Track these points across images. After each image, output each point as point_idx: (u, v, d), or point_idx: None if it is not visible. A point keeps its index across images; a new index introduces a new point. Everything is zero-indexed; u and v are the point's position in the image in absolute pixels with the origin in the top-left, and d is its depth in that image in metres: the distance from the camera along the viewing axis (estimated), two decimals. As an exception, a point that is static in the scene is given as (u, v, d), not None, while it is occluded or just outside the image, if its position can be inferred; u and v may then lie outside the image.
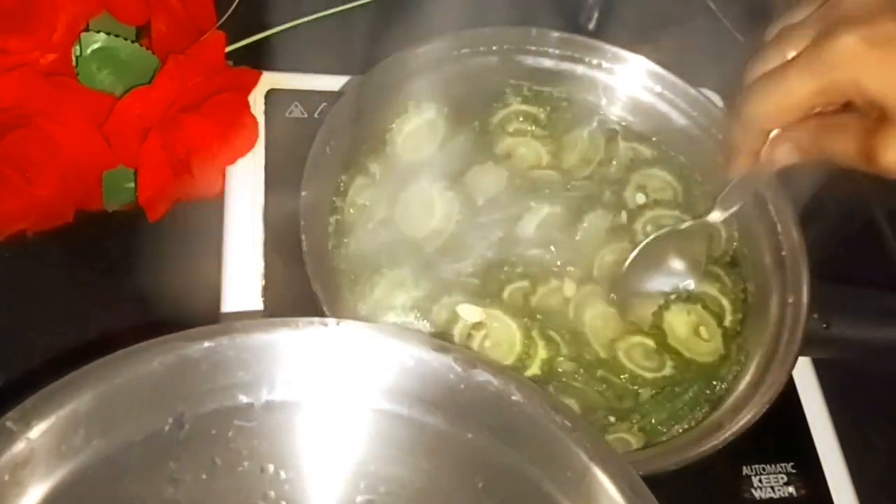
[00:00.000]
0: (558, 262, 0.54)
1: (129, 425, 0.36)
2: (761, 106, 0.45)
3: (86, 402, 0.34)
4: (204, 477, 0.38)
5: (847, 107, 0.44)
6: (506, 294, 0.52)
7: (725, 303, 0.54)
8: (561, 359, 0.51)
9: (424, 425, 0.38)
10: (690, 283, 0.54)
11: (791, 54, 0.44)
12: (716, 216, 0.53)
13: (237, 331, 0.37)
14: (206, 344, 0.36)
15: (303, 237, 0.47)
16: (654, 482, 0.45)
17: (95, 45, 0.53)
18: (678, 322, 0.52)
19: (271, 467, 0.39)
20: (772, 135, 0.47)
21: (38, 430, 0.33)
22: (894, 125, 0.41)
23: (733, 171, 0.50)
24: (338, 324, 0.38)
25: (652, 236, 0.53)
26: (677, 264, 0.54)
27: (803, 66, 0.43)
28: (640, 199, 0.57)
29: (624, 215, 0.56)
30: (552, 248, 0.54)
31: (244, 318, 0.51)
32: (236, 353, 0.37)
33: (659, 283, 0.54)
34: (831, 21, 0.43)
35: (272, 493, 0.39)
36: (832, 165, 0.45)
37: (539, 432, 0.37)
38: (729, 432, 0.47)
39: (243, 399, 0.38)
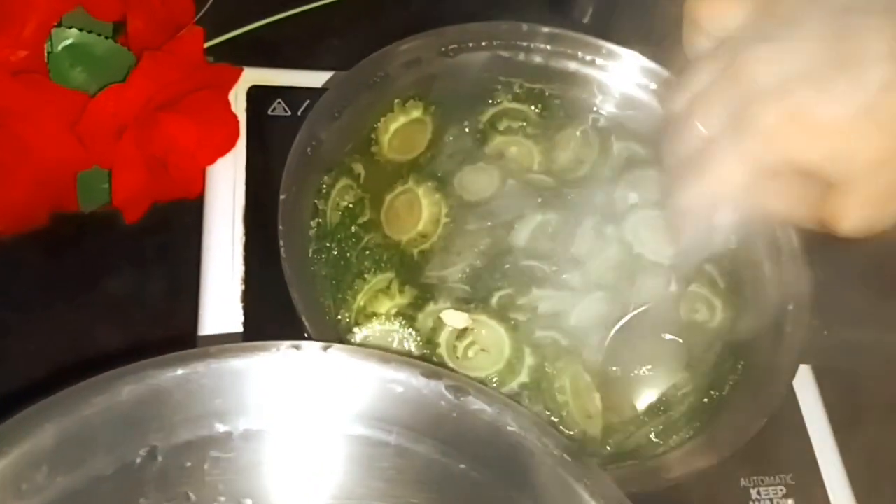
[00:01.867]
0: (551, 271, 0.52)
1: (97, 460, 0.34)
2: (695, 198, 0.43)
3: (48, 436, 0.33)
4: None
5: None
6: (494, 300, 0.50)
7: (718, 303, 0.53)
8: (549, 368, 0.49)
9: (414, 455, 0.37)
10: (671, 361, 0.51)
11: (704, 132, 0.41)
12: (671, 289, 0.51)
13: (212, 356, 0.35)
14: (180, 371, 0.35)
15: (281, 242, 0.46)
16: (652, 496, 0.44)
17: (67, 42, 0.51)
18: None
19: (249, 502, 0.37)
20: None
21: None
22: (842, 195, 0.39)
23: (678, 244, 0.48)
24: (324, 349, 0.36)
25: (616, 326, 0.50)
26: (654, 345, 0.51)
27: (730, 151, 0.40)
28: (633, 198, 0.55)
29: (616, 217, 0.54)
30: (544, 256, 0.52)
31: (221, 340, 0.49)
32: (212, 381, 0.35)
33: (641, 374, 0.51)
34: (745, 94, 0.39)
35: (250, 531, 0.38)
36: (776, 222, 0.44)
37: (536, 465, 0.36)
38: (728, 445, 0.46)
39: (220, 428, 0.36)
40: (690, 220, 0.45)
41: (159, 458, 0.35)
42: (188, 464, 0.36)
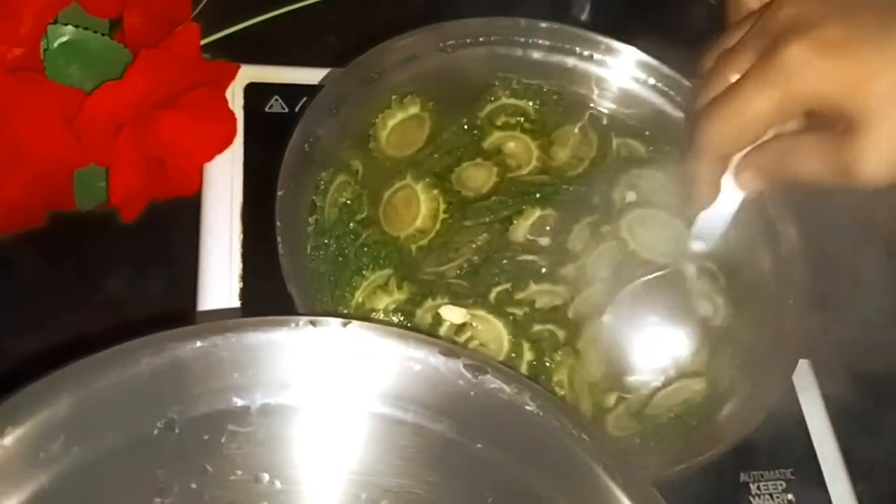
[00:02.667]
0: (549, 266, 0.52)
1: (114, 431, 0.34)
2: (716, 129, 0.43)
3: (65, 406, 0.32)
4: (194, 486, 0.36)
5: (808, 124, 0.42)
6: (492, 295, 0.50)
7: (720, 300, 0.52)
8: (547, 362, 0.49)
9: (430, 433, 0.36)
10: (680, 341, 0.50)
11: (734, 77, 0.42)
12: (690, 261, 0.50)
13: (232, 330, 0.35)
14: (199, 344, 0.34)
15: (279, 239, 0.45)
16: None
17: (64, 39, 0.51)
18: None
19: (266, 476, 0.37)
20: (732, 163, 0.45)
21: (11, 437, 0.31)
22: (864, 133, 0.39)
23: (696, 205, 0.48)
24: (344, 325, 0.36)
25: (626, 289, 0.50)
26: (660, 314, 0.51)
27: (756, 81, 0.41)
28: (631, 196, 0.55)
29: (613, 216, 0.54)
30: (542, 251, 0.52)
31: (220, 316, 0.49)
32: (231, 354, 0.35)
33: (646, 351, 0.50)
34: (773, 34, 0.41)
35: (267, 504, 0.37)
36: (803, 187, 0.43)
37: (554, 445, 0.35)
38: (727, 439, 0.45)
39: (238, 402, 0.36)
40: (708, 165, 0.44)
41: (176, 431, 0.35)
42: (205, 437, 0.35)
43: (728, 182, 0.46)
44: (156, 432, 0.34)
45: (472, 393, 0.35)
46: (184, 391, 0.35)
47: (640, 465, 0.46)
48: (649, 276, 0.50)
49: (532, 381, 0.47)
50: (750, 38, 0.42)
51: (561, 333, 0.50)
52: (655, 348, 0.50)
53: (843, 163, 0.40)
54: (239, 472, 0.37)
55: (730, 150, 0.44)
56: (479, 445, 0.36)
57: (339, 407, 0.37)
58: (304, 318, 0.36)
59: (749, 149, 0.44)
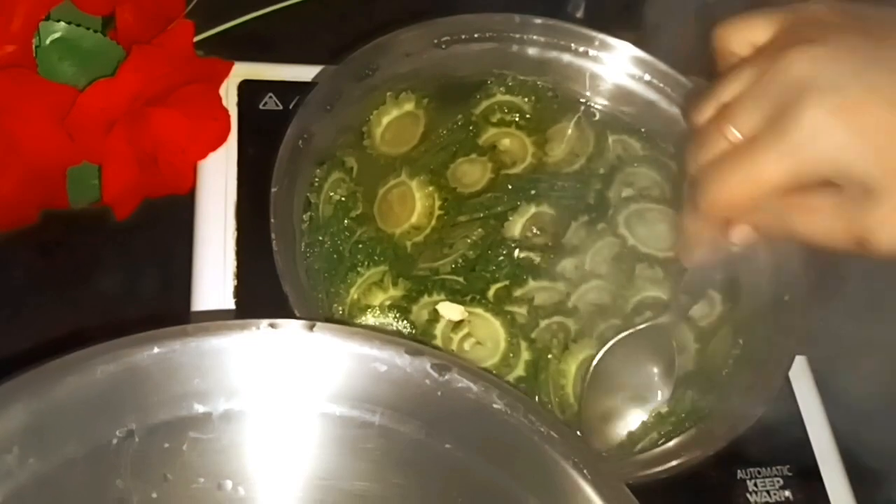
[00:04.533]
0: (546, 263, 0.51)
1: (70, 441, 0.33)
2: (724, 195, 0.40)
3: (18, 417, 0.32)
4: (154, 495, 0.35)
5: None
6: (490, 293, 0.50)
7: (714, 296, 0.52)
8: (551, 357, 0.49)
9: (397, 435, 0.36)
10: (663, 396, 0.49)
11: (735, 135, 0.39)
12: (676, 315, 0.49)
13: (190, 335, 0.34)
14: (156, 350, 0.34)
15: (273, 236, 0.45)
16: (648, 488, 0.44)
17: (56, 35, 0.51)
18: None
19: (229, 483, 0.37)
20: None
21: None
22: (884, 201, 0.37)
23: (691, 263, 0.46)
24: (309, 327, 0.35)
25: (610, 342, 0.48)
26: (645, 371, 0.49)
27: (771, 147, 0.38)
28: (627, 192, 0.55)
29: (609, 213, 0.54)
30: (539, 248, 0.52)
31: (214, 317, 0.49)
32: (190, 359, 0.34)
33: (628, 399, 0.49)
34: (787, 93, 0.38)
35: (229, 512, 0.37)
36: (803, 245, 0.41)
37: (523, 444, 0.35)
38: (724, 436, 0.45)
39: (199, 409, 0.35)
40: (710, 227, 0.42)
41: (136, 440, 0.34)
42: (166, 445, 0.35)
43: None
44: (115, 441, 0.34)
45: (439, 393, 0.35)
46: (143, 398, 0.34)
47: (638, 464, 0.46)
48: (637, 328, 0.49)
49: (531, 377, 0.48)
50: (757, 93, 0.39)
51: (571, 323, 0.50)
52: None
53: (857, 231, 0.38)
54: (201, 480, 0.36)
55: (736, 216, 0.41)
56: (447, 446, 0.36)
57: (302, 411, 0.36)
58: (264, 322, 0.35)
59: None
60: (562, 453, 0.34)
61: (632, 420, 0.48)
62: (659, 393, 0.49)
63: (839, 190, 0.38)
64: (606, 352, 0.49)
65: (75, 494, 0.34)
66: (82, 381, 0.32)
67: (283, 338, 0.35)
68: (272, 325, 0.35)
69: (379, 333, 0.36)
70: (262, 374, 0.35)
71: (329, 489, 0.37)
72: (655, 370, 0.49)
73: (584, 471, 0.34)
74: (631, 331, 0.49)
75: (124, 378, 0.33)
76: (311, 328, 0.35)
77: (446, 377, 0.35)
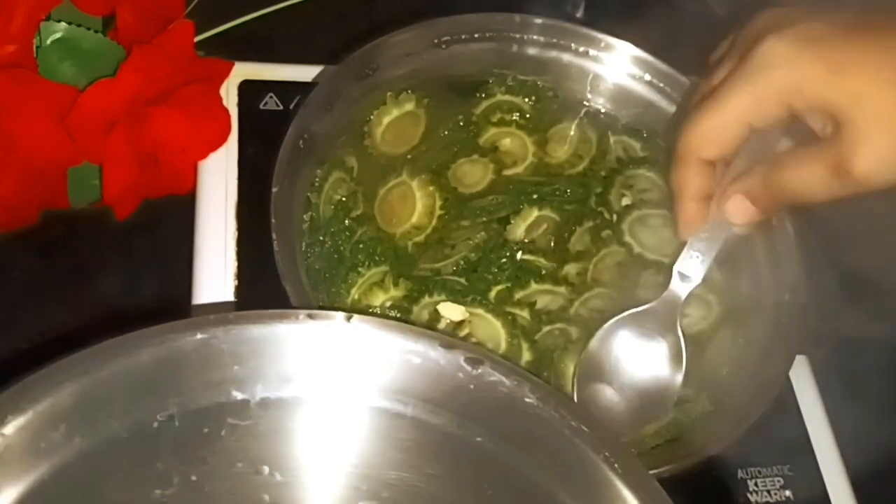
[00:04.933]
0: (548, 267, 0.52)
1: (114, 421, 0.34)
2: (695, 130, 0.42)
3: (66, 395, 0.32)
4: (194, 478, 0.36)
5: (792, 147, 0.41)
6: (492, 294, 0.50)
7: (713, 295, 0.52)
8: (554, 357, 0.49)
9: (430, 427, 0.36)
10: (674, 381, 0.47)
11: (716, 82, 0.42)
12: (674, 291, 0.47)
13: (233, 322, 0.35)
14: (200, 336, 0.34)
15: (273, 236, 0.45)
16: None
17: (56, 35, 0.51)
18: None
19: (266, 469, 0.37)
20: (720, 193, 0.44)
21: (13, 426, 0.31)
22: (853, 128, 0.37)
23: (685, 228, 0.46)
24: (347, 318, 0.36)
25: (608, 323, 0.48)
26: (644, 349, 0.48)
27: (734, 78, 0.40)
28: (626, 200, 0.55)
29: (612, 220, 0.54)
30: (541, 251, 0.52)
31: (215, 310, 0.49)
32: (231, 346, 0.35)
33: (632, 383, 0.48)
34: (753, 36, 0.40)
35: (267, 497, 0.37)
36: (796, 208, 0.42)
37: (554, 437, 0.35)
38: (725, 436, 0.45)
39: (238, 395, 0.36)
40: (690, 173, 0.43)
41: (177, 423, 0.35)
42: (205, 429, 0.35)
43: (715, 217, 0.44)
44: (156, 424, 0.35)
45: (471, 386, 0.35)
46: (184, 383, 0.35)
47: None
48: (634, 311, 0.48)
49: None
50: (735, 43, 0.42)
51: (573, 330, 0.50)
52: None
53: (835, 165, 0.38)
54: (239, 465, 0.37)
55: (710, 153, 0.42)
56: (478, 438, 0.36)
57: (338, 400, 0.37)
58: (304, 312, 0.36)
59: (734, 177, 0.43)
60: (592, 447, 0.34)
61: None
62: (669, 379, 0.48)
63: (815, 140, 0.39)
64: (604, 338, 0.48)
65: (118, 473, 0.35)
66: (128, 364, 0.33)
67: (321, 328, 0.36)
68: (311, 316, 0.36)
69: (414, 326, 0.37)
70: (299, 363, 0.36)
71: (363, 477, 0.37)
72: (664, 354, 0.48)
73: (615, 465, 0.34)
74: (632, 311, 0.48)
75: (168, 362, 0.34)
76: (348, 319, 0.36)
77: (479, 370, 0.35)
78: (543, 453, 0.35)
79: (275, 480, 0.37)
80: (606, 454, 0.34)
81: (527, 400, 0.35)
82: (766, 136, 0.43)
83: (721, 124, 0.41)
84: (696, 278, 0.47)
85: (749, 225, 0.45)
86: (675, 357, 0.47)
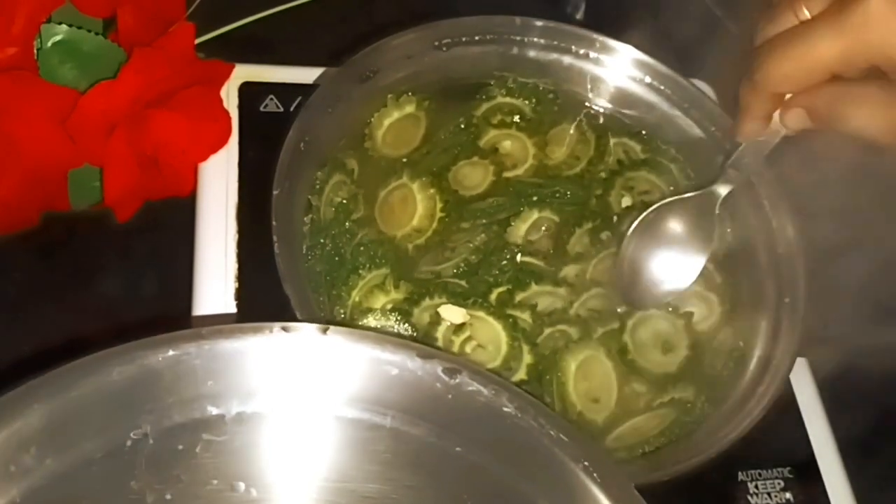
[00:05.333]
0: (548, 269, 0.52)
1: (87, 442, 0.33)
2: (779, 66, 0.42)
3: (37, 417, 0.32)
4: (168, 497, 0.36)
5: (868, 74, 0.40)
6: (492, 297, 0.50)
7: (714, 298, 0.52)
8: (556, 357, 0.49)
9: (409, 438, 0.36)
10: (698, 264, 0.50)
11: (806, 14, 0.41)
12: (722, 186, 0.50)
13: (204, 338, 0.34)
14: (171, 352, 0.34)
15: (274, 238, 0.45)
16: (650, 490, 0.44)
17: (57, 38, 0.51)
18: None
19: (242, 485, 0.37)
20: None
21: None
22: None
23: (742, 136, 0.48)
24: (324, 331, 0.35)
25: (655, 206, 0.51)
26: (684, 238, 0.51)
27: (828, 26, 0.40)
28: (626, 201, 0.55)
29: (611, 222, 0.54)
30: (541, 253, 0.52)
31: (215, 321, 0.49)
32: (204, 362, 0.34)
33: (665, 266, 0.51)
34: None
35: (242, 514, 0.37)
36: (847, 137, 0.42)
37: (533, 447, 0.35)
38: (725, 438, 0.45)
39: (212, 411, 0.35)
40: (763, 99, 0.44)
41: (150, 441, 0.34)
42: (180, 447, 0.35)
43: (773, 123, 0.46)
44: (129, 442, 0.34)
45: (449, 396, 0.35)
46: (157, 401, 0.34)
47: (638, 467, 0.46)
48: (681, 197, 0.51)
49: (535, 379, 0.48)
50: None
51: (574, 331, 0.50)
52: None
53: (894, 119, 0.39)
54: (214, 482, 0.36)
55: (788, 90, 0.43)
56: (458, 448, 0.36)
57: (314, 413, 0.36)
58: (277, 325, 0.35)
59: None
60: (572, 456, 0.34)
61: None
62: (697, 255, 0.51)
63: (890, 84, 0.39)
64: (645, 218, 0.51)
65: (91, 494, 0.34)
66: (99, 383, 0.33)
67: (297, 341, 0.35)
68: (285, 329, 0.35)
69: (391, 337, 0.36)
70: (275, 377, 0.36)
71: (341, 491, 0.37)
72: (689, 245, 0.51)
73: (594, 474, 0.34)
74: (673, 199, 0.51)
75: (140, 380, 0.34)
76: (324, 331, 0.35)
77: (457, 380, 0.35)
78: (523, 463, 0.35)
79: (250, 497, 0.37)
80: (586, 463, 0.34)
81: (505, 409, 0.35)
82: None
83: (806, 68, 0.41)
84: (745, 175, 0.50)
85: (800, 131, 0.46)
86: (707, 237, 0.50)
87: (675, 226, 0.51)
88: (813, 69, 0.41)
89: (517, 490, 0.35)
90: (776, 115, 0.45)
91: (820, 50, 0.40)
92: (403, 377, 0.35)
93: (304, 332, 0.35)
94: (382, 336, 0.36)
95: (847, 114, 0.41)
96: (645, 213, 0.51)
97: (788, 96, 0.44)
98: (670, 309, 0.52)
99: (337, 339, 0.35)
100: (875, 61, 0.39)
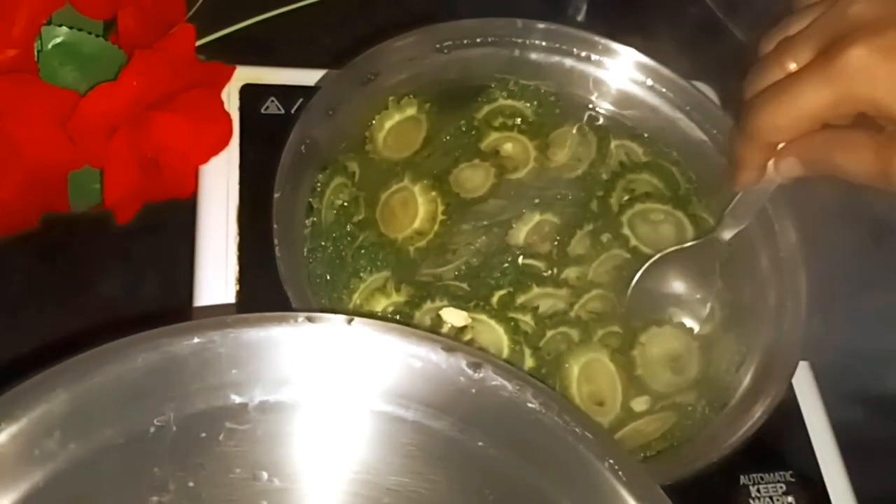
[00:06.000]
0: (550, 271, 0.52)
1: (110, 428, 0.33)
2: (770, 118, 0.43)
3: (61, 402, 0.32)
4: (191, 484, 0.36)
5: (858, 120, 0.41)
6: (494, 300, 0.50)
7: (716, 303, 0.52)
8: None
9: (431, 431, 0.36)
10: (704, 308, 0.52)
11: (793, 67, 0.42)
12: (724, 233, 0.51)
13: (230, 326, 0.34)
14: (196, 340, 0.34)
15: (275, 241, 0.45)
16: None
17: (57, 40, 0.51)
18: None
19: (265, 475, 0.37)
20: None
21: (6, 434, 0.31)
22: None
23: (739, 186, 0.49)
24: (348, 321, 0.35)
25: (656, 255, 0.51)
26: (687, 286, 0.52)
27: (815, 77, 0.41)
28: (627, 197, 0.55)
29: (612, 220, 0.54)
30: (543, 255, 0.52)
31: (217, 312, 0.49)
32: (228, 350, 0.34)
33: (669, 312, 0.52)
34: (839, 30, 0.41)
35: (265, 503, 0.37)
36: (840, 181, 0.43)
37: (557, 443, 0.35)
38: (727, 442, 0.45)
39: (235, 399, 0.35)
40: (756, 150, 0.45)
41: (173, 428, 0.34)
42: (203, 434, 0.35)
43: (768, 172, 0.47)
44: (152, 429, 0.34)
45: (473, 390, 0.35)
46: (180, 388, 0.34)
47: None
48: (682, 247, 0.52)
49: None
50: (814, 29, 0.42)
51: (575, 333, 0.50)
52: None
53: (887, 166, 0.40)
54: (237, 470, 0.36)
55: (780, 140, 0.44)
56: (480, 443, 0.36)
57: (338, 404, 0.36)
58: (303, 314, 0.35)
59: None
60: (596, 454, 0.34)
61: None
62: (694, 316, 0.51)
63: (879, 130, 0.41)
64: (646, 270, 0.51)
65: (114, 480, 0.34)
66: (123, 369, 0.33)
67: (322, 331, 0.35)
68: (310, 319, 0.35)
69: (415, 329, 0.36)
70: (299, 367, 0.36)
71: (363, 483, 0.37)
72: (693, 292, 0.52)
73: (619, 472, 0.34)
74: (675, 248, 0.51)
75: (164, 367, 0.33)
76: (349, 322, 0.35)
77: (481, 375, 0.35)
78: (546, 459, 0.35)
79: (273, 486, 0.37)
80: (610, 461, 0.34)
81: (529, 405, 0.35)
82: None
83: (796, 118, 0.42)
84: (743, 223, 0.51)
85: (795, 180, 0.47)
86: (710, 284, 0.51)
87: (677, 274, 0.52)
88: (802, 119, 0.42)
89: (540, 487, 0.35)
90: (770, 164, 0.46)
91: (808, 100, 0.41)
92: (427, 370, 0.35)
93: (330, 323, 0.35)
94: (407, 328, 0.36)
95: (838, 160, 0.42)
96: (647, 264, 0.51)
97: (781, 146, 0.45)
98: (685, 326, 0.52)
99: (363, 331, 0.35)
100: (862, 109, 0.40)
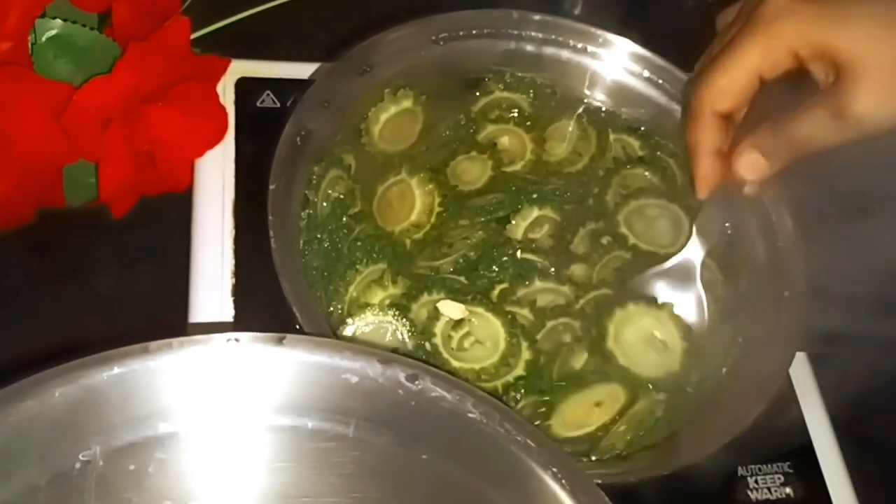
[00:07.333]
0: (550, 266, 0.51)
1: (31, 468, 0.32)
2: (710, 85, 0.44)
3: None
4: None
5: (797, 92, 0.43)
6: (493, 293, 0.50)
7: (711, 295, 0.52)
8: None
9: (372, 447, 0.35)
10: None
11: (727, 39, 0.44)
12: (695, 251, 0.50)
13: (152, 352, 0.33)
14: (116, 370, 0.32)
15: (271, 233, 0.45)
16: (648, 485, 0.44)
17: (52, 32, 0.50)
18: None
19: None
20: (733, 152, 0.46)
21: None
22: (852, 75, 0.40)
23: (701, 184, 0.48)
24: (280, 340, 0.34)
25: (635, 279, 0.51)
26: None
27: (743, 34, 0.43)
28: (625, 192, 0.55)
29: (610, 217, 0.54)
30: (541, 250, 0.52)
31: (212, 331, 0.48)
32: (151, 378, 0.33)
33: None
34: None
35: (199, 534, 0.36)
36: (806, 158, 0.43)
37: (500, 453, 0.34)
38: (725, 434, 0.45)
39: (164, 428, 0.34)
40: (704, 126, 0.45)
41: (100, 463, 0.33)
42: (131, 467, 0.34)
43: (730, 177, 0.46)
44: (78, 465, 0.33)
45: (412, 403, 0.34)
46: (104, 420, 0.33)
47: (639, 463, 0.46)
48: (658, 269, 0.51)
49: (534, 374, 0.47)
50: (740, 12, 0.44)
51: (577, 325, 0.50)
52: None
53: (837, 109, 0.41)
54: (167, 502, 0.35)
55: (724, 105, 0.45)
56: (423, 456, 0.35)
57: (273, 425, 0.36)
58: (229, 336, 0.34)
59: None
60: (539, 462, 0.34)
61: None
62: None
63: (819, 92, 0.42)
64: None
65: None
66: (40, 406, 0.31)
67: (249, 352, 0.34)
68: (236, 340, 0.34)
69: (349, 344, 0.35)
70: (230, 390, 0.35)
71: None
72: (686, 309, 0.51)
73: (562, 480, 0.33)
74: (655, 269, 0.51)
75: (84, 400, 0.32)
76: (280, 341, 0.34)
77: (419, 386, 0.34)
78: (490, 469, 0.35)
79: None
80: (554, 469, 0.34)
81: (470, 415, 0.34)
82: (773, 93, 0.45)
83: (733, 76, 0.43)
84: (714, 236, 0.50)
85: (762, 180, 0.47)
86: (697, 308, 0.51)
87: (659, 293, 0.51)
88: (740, 75, 0.43)
89: (485, 498, 0.35)
90: (733, 167, 0.46)
91: (742, 55, 0.43)
92: (364, 385, 0.35)
93: (258, 343, 0.34)
94: (340, 343, 0.35)
95: (791, 131, 0.43)
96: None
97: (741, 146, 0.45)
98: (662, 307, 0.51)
99: (293, 349, 0.34)
100: (794, 49, 0.42)
